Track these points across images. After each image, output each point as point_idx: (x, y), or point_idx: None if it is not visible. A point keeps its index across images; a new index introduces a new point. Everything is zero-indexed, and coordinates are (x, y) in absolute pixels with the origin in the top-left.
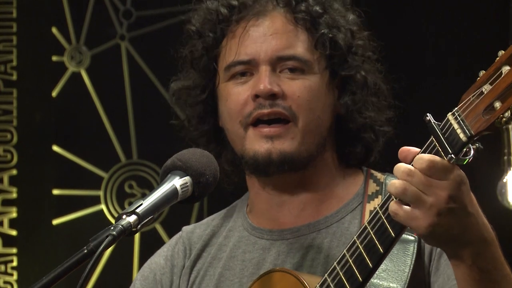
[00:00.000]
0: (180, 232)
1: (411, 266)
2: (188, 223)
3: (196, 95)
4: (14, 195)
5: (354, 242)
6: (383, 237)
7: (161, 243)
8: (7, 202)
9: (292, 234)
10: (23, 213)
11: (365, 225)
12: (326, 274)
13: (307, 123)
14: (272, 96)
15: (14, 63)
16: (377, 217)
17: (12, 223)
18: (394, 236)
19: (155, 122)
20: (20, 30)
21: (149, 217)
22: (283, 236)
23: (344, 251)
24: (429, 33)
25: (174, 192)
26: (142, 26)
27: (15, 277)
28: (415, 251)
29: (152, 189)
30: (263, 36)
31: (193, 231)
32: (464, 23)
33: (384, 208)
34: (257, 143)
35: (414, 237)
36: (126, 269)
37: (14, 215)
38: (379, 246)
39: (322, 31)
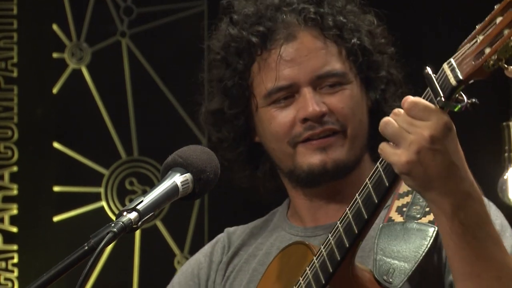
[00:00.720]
0: (223, 233)
1: (426, 250)
2: (189, 220)
3: (230, 121)
4: (15, 192)
5: (355, 198)
6: (378, 187)
7: (161, 239)
8: (8, 199)
9: (324, 230)
10: (23, 210)
11: (366, 181)
12: (329, 234)
13: (353, 130)
14: (323, 116)
15: (15, 60)
16: (376, 170)
17: (13, 220)
18: (388, 185)
19: (156, 119)
20: (20, 27)
21: (150, 214)
22: (315, 232)
23: (347, 209)
24: (429, 33)
25: (174, 189)
26: (143, 23)
27: (15, 274)
28: (432, 239)
29: (152, 186)
30: (299, 58)
31: (234, 232)
32: (464, 23)
33: (382, 162)
34: (310, 157)
35: (434, 227)
36: (126, 266)
37: (15, 212)
38: (374, 197)
39: (352, 41)
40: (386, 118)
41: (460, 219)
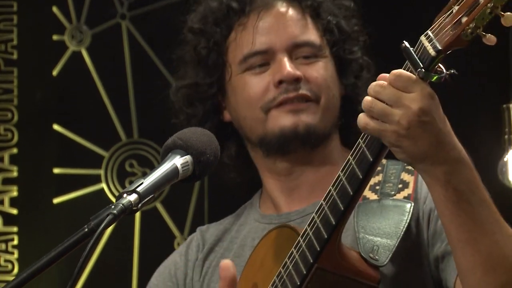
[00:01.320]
0: (195, 232)
1: (406, 225)
2: (188, 202)
3: (203, 91)
4: (15, 174)
5: (339, 176)
6: (362, 163)
7: (162, 221)
8: (8, 181)
9: (298, 215)
10: (23, 192)
11: (349, 158)
12: (314, 213)
13: (326, 101)
14: (296, 80)
15: (15, 42)
16: (358, 147)
17: (13, 202)
18: (372, 160)
19: (156, 101)
20: (20, 9)
21: (150, 196)
22: (289, 218)
23: (330, 187)
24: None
25: (175, 171)
26: (142, 5)
27: (15, 255)
28: (410, 213)
29: (152, 168)
30: (276, 25)
31: (207, 230)
32: None
33: (364, 137)
34: (283, 119)
35: (410, 202)
36: (126, 248)
37: (15, 193)
38: (359, 173)
39: (328, 18)
40: (367, 98)
41: (454, 186)
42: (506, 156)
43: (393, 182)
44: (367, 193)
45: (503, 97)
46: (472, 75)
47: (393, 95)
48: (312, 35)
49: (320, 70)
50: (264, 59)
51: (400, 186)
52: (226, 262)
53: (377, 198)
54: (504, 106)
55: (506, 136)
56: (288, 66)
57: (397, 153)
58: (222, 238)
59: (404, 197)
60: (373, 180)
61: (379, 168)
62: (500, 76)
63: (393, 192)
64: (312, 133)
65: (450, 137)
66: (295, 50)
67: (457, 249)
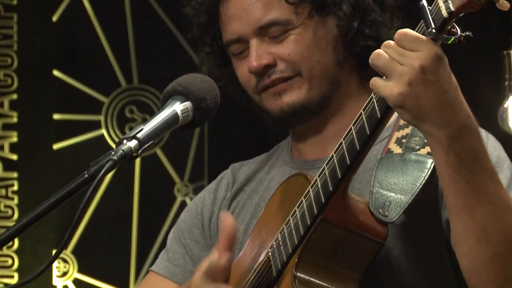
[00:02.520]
0: (228, 169)
1: (423, 182)
2: (188, 148)
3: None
4: (15, 120)
5: (350, 129)
6: (371, 119)
7: (161, 168)
8: (8, 127)
9: (323, 163)
10: (23, 138)
11: (361, 112)
12: (325, 164)
13: (309, 71)
14: (267, 67)
15: None
16: (371, 101)
17: (13, 148)
18: (380, 116)
19: (156, 47)
20: None
21: (150, 142)
22: (315, 165)
23: (342, 139)
24: None
25: (174, 117)
26: None
27: (15, 201)
28: (430, 170)
29: (152, 114)
30: (240, 11)
31: (240, 168)
32: None
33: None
34: (269, 103)
35: (432, 158)
36: (126, 194)
37: (15, 139)
38: (367, 128)
39: None
40: (377, 50)
41: (456, 152)
42: (506, 102)
43: (420, 136)
44: (392, 146)
45: (503, 44)
46: (472, 22)
47: (397, 52)
48: (277, 11)
49: (291, 46)
50: (241, 45)
51: (426, 141)
52: (227, 216)
53: (401, 151)
54: (504, 52)
55: (506, 83)
56: (254, 58)
57: (401, 114)
58: (252, 178)
59: (428, 153)
60: (401, 133)
61: None
62: (500, 22)
63: (417, 147)
64: (298, 109)
65: (457, 101)
66: (263, 31)
67: (453, 214)
